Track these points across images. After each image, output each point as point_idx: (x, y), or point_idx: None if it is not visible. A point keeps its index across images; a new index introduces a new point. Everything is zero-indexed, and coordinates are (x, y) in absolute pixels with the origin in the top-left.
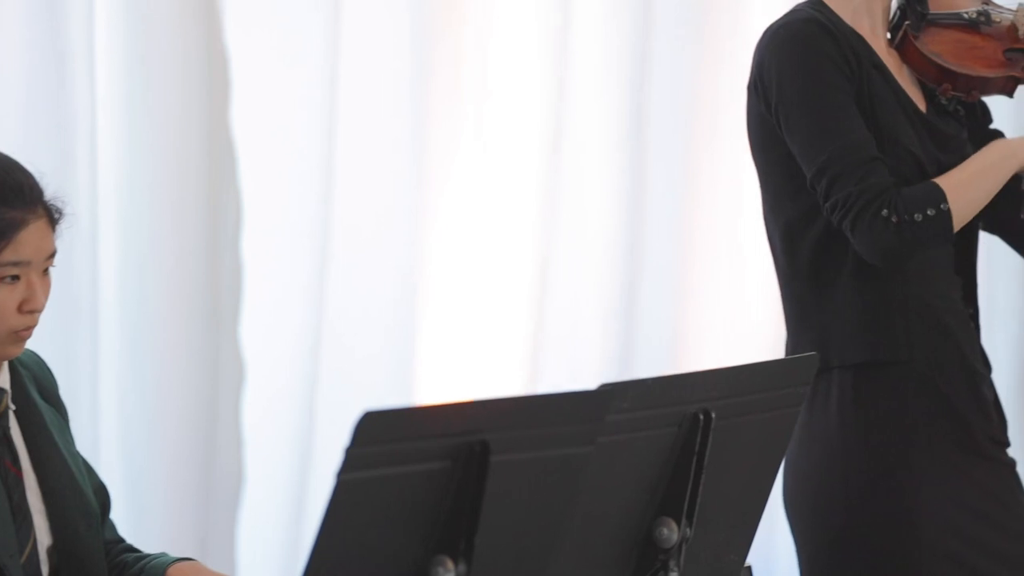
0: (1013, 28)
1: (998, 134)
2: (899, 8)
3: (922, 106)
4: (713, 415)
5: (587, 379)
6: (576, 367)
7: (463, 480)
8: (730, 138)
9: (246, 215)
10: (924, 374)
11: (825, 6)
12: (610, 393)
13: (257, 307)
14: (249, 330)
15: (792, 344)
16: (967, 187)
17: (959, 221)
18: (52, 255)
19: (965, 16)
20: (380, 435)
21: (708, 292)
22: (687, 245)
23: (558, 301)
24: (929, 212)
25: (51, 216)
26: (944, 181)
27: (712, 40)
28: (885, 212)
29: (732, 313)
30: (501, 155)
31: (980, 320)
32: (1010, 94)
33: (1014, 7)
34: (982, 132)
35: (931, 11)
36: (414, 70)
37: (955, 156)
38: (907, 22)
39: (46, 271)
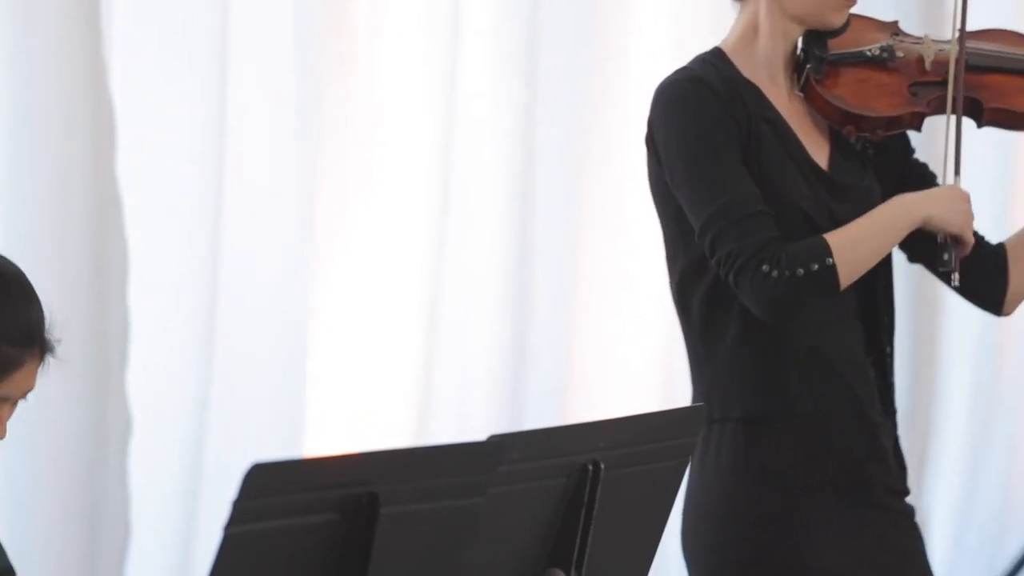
0: (920, 60)
1: (922, 166)
2: (801, 50)
3: (824, 153)
4: (602, 466)
5: (476, 430)
6: (465, 418)
7: (351, 532)
8: (621, 186)
9: (133, 265)
10: (815, 424)
11: (723, 57)
12: (499, 444)
13: (145, 358)
14: (136, 382)
15: (694, 395)
16: (856, 243)
17: (847, 277)
18: (29, 391)
19: (868, 54)
20: (269, 487)
21: (598, 342)
22: (578, 294)
23: (447, 352)
24: (813, 267)
25: (44, 355)
26: (833, 236)
27: (598, 93)
28: (766, 267)
29: (623, 363)
30: (390, 206)
31: (895, 364)
32: (917, 129)
33: (922, 36)
34: (901, 167)
35: (832, 51)
36: (301, 120)
37: (854, 206)
38: (808, 65)
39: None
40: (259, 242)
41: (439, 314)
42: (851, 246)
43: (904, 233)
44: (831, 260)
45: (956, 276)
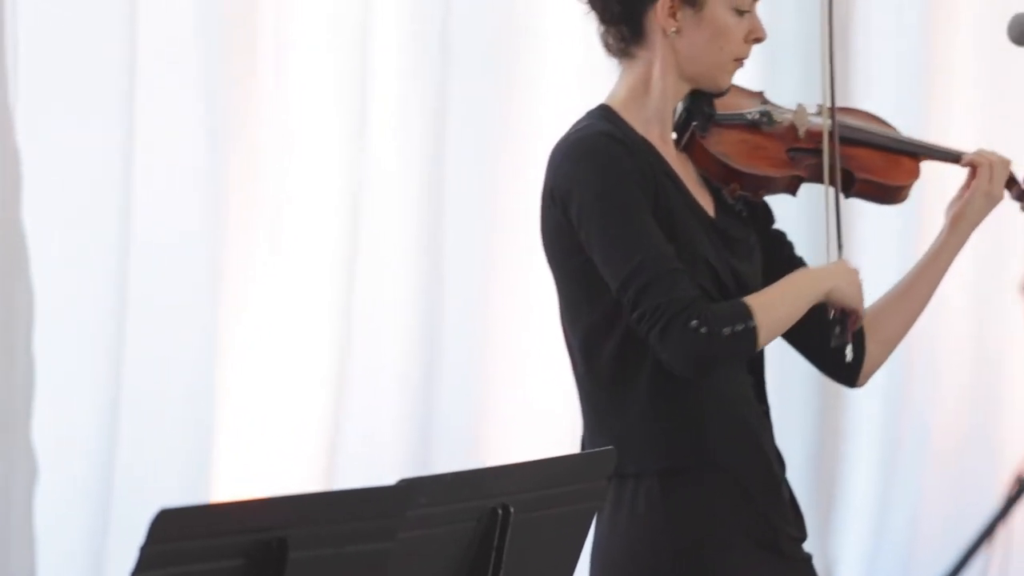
0: (793, 128)
1: (782, 234)
2: (685, 109)
3: (711, 210)
4: (512, 509)
5: (386, 474)
6: (375, 462)
7: None
8: (528, 238)
9: (39, 312)
10: (729, 476)
11: (615, 115)
12: (409, 488)
13: (50, 405)
14: (41, 428)
15: (592, 446)
16: (774, 308)
17: (764, 340)
18: None
19: (748, 116)
20: (176, 533)
21: (507, 386)
22: (486, 340)
23: (356, 396)
24: (737, 328)
25: None
26: (753, 300)
27: (507, 156)
28: (695, 323)
29: (531, 406)
30: (299, 256)
31: (772, 418)
32: (793, 193)
33: (794, 106)
34: (766, 233)
35: (717, 111)
36: (209, 169)
37: (746, 262)
38: (694, 123)
39: None
40: (166, 288)
41: (349, 359)
42: (770, 311)
43: (811, 303)
44: (753, 322)
45: (849, 349)
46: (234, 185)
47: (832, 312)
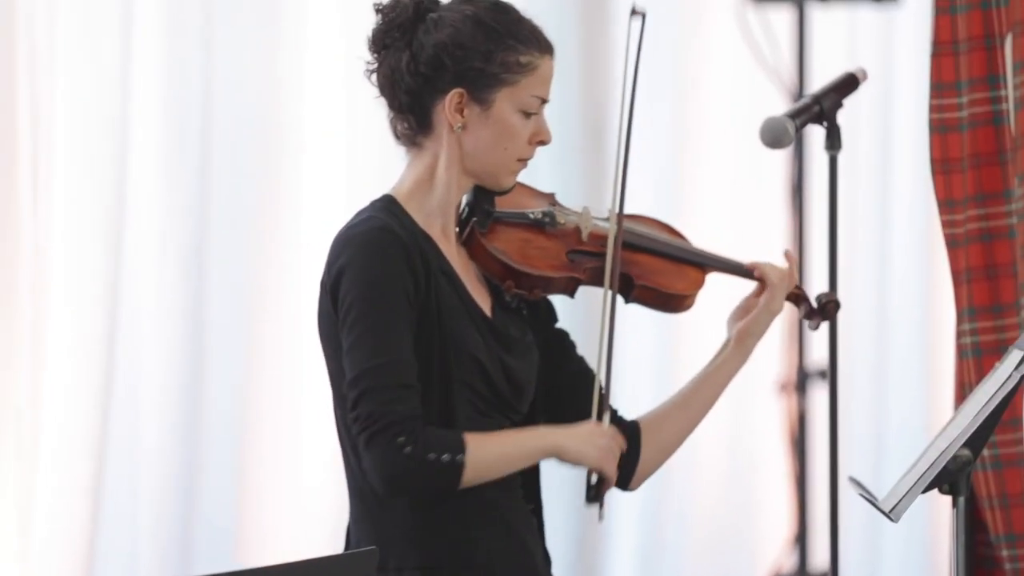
0: (577, 230)
1: (564, 334)
2: (467, 204)
3: (487, 305)
4: None
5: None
6: (133, 560)
7: None
8: (294, 324)
9: None
10: (485, 573)
11: (398, 206)
12: None
13: None
14: None
15: (355, 541)
16: (491, 452)
17: (469, 480)
18: None
19: (531, 216)
20: None
21: (269, 482)
22: (248, 432)
23: (112, 502)
24: (444, 457)
25: None
26: (472, 438)
27: (271, 245)
28: (402, 440)
29: (294, 503)
30: (57, 342)
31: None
32: (571, 294)
33: (580, 209)
34: (547, 332)
35: (498, 209)
36: None
37: (521, 359)
38: (474, 218)
39: None
40: None
41: (109, 452)
42: (485, 453)
43: (536, 459)
44: (462, 457)
45: (601, 511)
46: None
47: (589, 471)
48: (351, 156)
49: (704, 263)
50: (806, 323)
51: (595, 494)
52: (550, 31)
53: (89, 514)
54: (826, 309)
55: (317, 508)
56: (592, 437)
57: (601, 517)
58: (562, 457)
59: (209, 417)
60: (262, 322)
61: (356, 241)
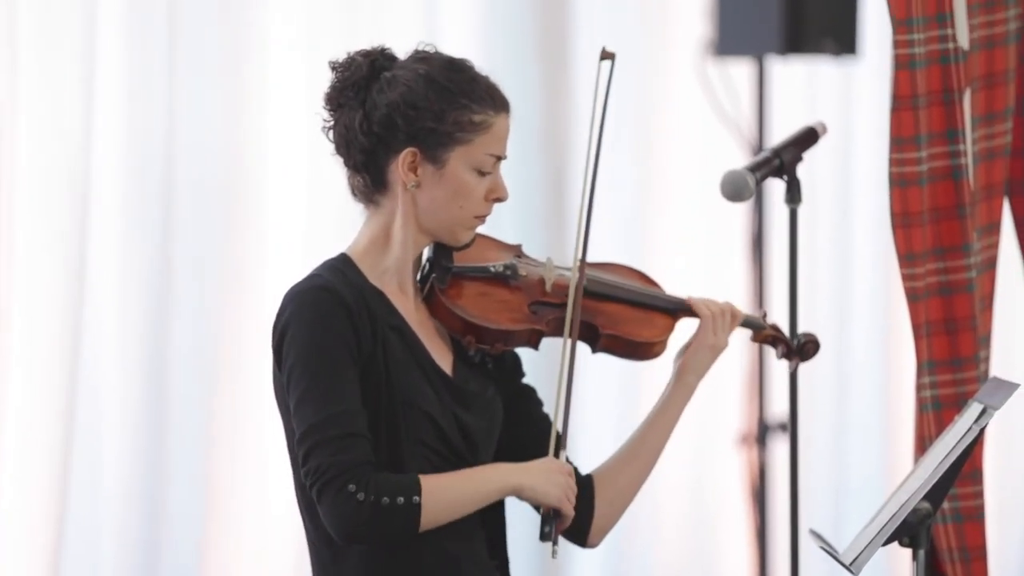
0: (542, 281)
1: (531, 390)
2: (427, 260)
3: (448, 361)
4: None
5: None
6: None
7: None
8: (258, 365)
9: None
10: None
11: (351, 264)
12: None
13: None
14: None
15: None
16: (447, 492)
17: (428, 521)
18: None
19: (492, 269)
20: None
21: (235, 506)
22: (211, 461)
23: (77, 532)
24: (399, 500)
25: None
26: (427, 479)
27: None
28: (352, 487)
29: (257, 544)
30: (16, 391)
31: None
32: (535, 347)
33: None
34: (512, 386)
35: (458, 264)
36: None
37: (479, 416)
38: (433, 275)
39: None
40: None
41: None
42: (441, 494)
43: (494, 498)
44: (418, 499)
45: (555, 549)
46: None
47: (544, 509)
48: (312, 209)
49: (660, 307)
50: (786, 363)
51: (550, 531)
52: (511, 77)
53: (52, 536)
54: (804, 349)
55: (282, 532)
56: (550, 474)
57: (555, 554)
58: (521, 496)
59: (173, 443)
60: (223, 366)
61: (297, 300)
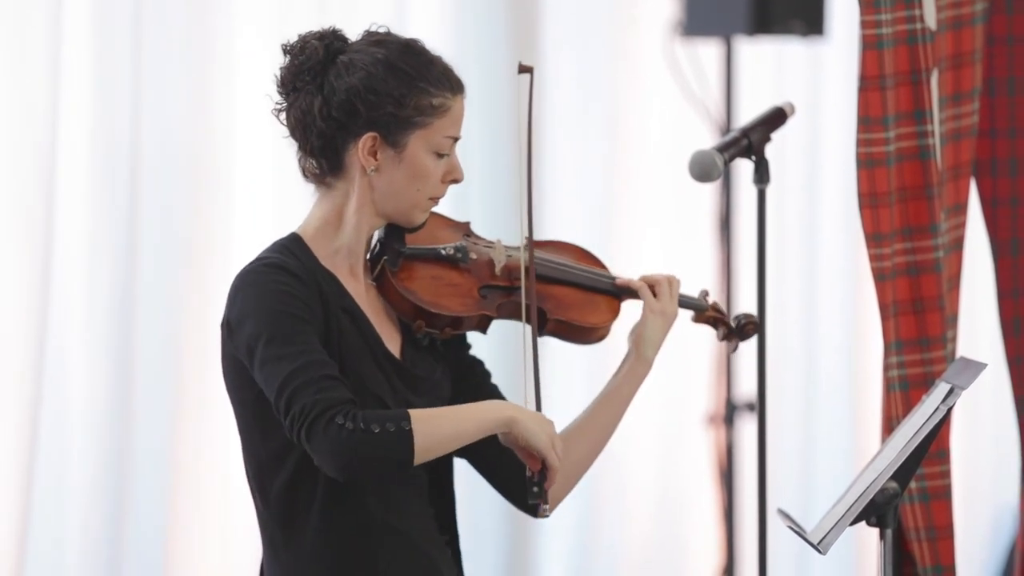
0: (491, 263)
1: (478, 362)
2: (379, 241)
3: (396, 344)
4: None
5: None
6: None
7: None
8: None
9: None
10: None
11: (302, 244)
12: None
13: None
14: None
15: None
16: (436, 420)
17: (422, 448)
18: None
19: (443, 252)
20: None
21: (196, 510)
22: (177, 470)
23: (42, 522)
24: (389, 427)
25: None
26: (417, 411)
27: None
28: (340, 419)
29: (222, 534)
30: None
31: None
32: (483, 331)
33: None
34: (459, 362)
35: (409, 246)
36: None
37: (429, 398)
38: (385, 257)
39: None
40: None
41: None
42: (433, 421)
43: (488, 426)
44: (408, 424)
45: (546, 508)
46: None
47: (529, 471)
48: (278, 195)
49: (600, 287)
50: (725, 345)
51: (539, 490)
52: (480, 61)
53: (17, 528)
54: (744, 330)
55: (247, 522)
56: (542, 422)
57: (548, 513)
58: (512, 430)
59: (138, 428)
60: (190, 356)
61: (244, 280)
